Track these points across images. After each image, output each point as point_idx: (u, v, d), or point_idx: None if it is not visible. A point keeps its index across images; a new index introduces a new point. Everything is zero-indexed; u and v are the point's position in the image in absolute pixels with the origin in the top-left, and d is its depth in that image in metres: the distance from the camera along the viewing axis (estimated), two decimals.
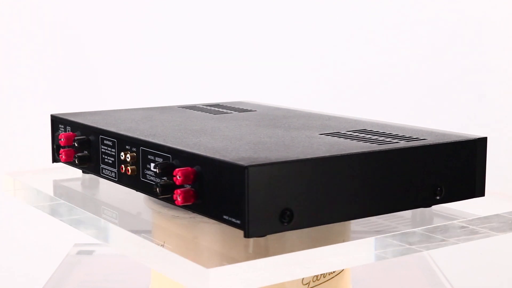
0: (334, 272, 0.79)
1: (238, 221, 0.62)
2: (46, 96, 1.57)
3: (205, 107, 0.96)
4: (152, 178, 0.72)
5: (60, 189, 0.89)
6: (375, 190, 0.68)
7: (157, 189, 0.67)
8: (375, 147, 0.70)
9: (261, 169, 0.62)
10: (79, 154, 0.82)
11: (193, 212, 0.68)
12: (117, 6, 1.56)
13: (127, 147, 0.76)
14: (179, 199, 0.66)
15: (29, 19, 1.55)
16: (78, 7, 1.56)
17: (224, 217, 0.64)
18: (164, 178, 0.68)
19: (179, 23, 1.57)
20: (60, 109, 1.38)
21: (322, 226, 0.66)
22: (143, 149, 0.73)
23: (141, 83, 1.57)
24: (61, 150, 0.83)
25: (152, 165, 0.72)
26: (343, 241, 0.72)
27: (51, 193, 0.85)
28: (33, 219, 1.54)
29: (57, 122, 0.88)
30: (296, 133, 0.77)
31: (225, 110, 0.93)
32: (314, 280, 0.76)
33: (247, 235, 0.62)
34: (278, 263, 0.62)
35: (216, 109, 0.94)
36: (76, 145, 0.82)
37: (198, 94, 1.56)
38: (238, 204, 0.62)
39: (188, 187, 0.67)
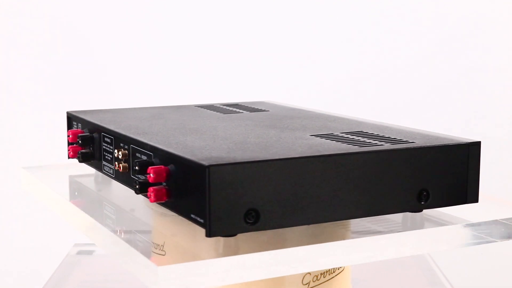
0: (334, 272, 0.78)
1: (202, 220, 0.63)
2: (69, 93, 1.58)
3: (221, 106, 0.97)
4: (138, 175, 0.73)
5: (74, 185, 0.91)
6: (352, 193, 0.67)
7: (136, 186, 0.68)
8: (355, 149, 0.69)
9: (224, 169, 0.62)
10: (83, 150, 0.84)
11: (169, 209, 0.68)
12: (138, 5, 1.58)
13: (120, 144, 0.77)
14: (152, 196, 0.67)
15: (46, 19, 1.57)
16: (97, 5, 1.58)
17: (192, 215, 0.64)
18: (143, 175, 0.69)
19: (210, 22, 1.58)
20: (86, 106, 1.42)
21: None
22: (133, 146, 0.75)
23: (175, 82, 1.58)
24: (69, 146, 0.85)
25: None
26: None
27: (57, 189, 0.87)
28: (33, 219, 1.55)
29: (71, 119, 0.90)
30: (287, 134, 0.76)
31: (238, 110, 0.93)
32: (314, 280, 0.76)
33: (208, 234, 0.62)
34: (231, 265, 0.62)
35: (231, 108, 0.95)
36: (80, 141, 0.84)
37: (235, 94, 1.56)
38: (201, 203, 0.62)
39: (162, 185, 0.67)
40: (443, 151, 0.71)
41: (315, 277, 0.76)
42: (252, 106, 0.97)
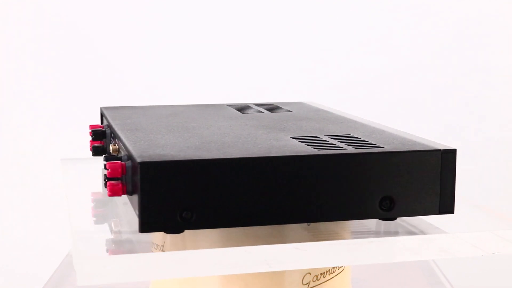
0: (334, 272, 0.77)
1: (137, 215, 0.64)
2: (116, 89, 1.60)
3: (251, 106, 0.97)
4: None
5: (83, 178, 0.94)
6: (300, 196, 0.66)
7: (104, 181, 0.71)
8: (310, 151, 0.67)
9: (156, 166, 0.63)
10: (94, 144, 0.87)
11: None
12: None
13: (113, 140, 0.80)
14: (108, 191, 0.69)
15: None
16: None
17: (137, 211, 0.66)
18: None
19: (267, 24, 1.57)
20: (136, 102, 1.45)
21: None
22: (118, 142, 0.77)
23: (236, 82, 1.58)
24: (90, 140, 0.89)
25: None
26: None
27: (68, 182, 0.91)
28: (33, 219, 1.56)
29: (102, 114, 0.94)
30: (269, 135, 0.76)
31: (260, 110, 0.93)
32: (314, 280, 0.75)
33: (140, 230, 0.63)
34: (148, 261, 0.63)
35: (257, 108, 0.95)
36: (92, 136, 0.87)
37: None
38: (137, 198, 0.64)
39: (119, 180, 0.69)
40: (411, 157, 0.68)
41: (315, 277, 0.76)
42: (282, 107, 0.96)
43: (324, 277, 0.77)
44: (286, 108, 0.95)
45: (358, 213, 0.67)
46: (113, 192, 0.68)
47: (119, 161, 0.69)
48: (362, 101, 1.59)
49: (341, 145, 0.70)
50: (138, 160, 0.63)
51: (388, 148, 0.69)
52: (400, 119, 1.58)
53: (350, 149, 0.68)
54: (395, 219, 0.70)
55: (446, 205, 0.69)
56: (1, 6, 1.53)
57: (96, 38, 1.56)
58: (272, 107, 0.96)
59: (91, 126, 0.89)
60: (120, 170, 0.68)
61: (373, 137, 0.74)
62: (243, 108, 0.95)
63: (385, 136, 0.75)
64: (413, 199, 0.68)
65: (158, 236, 0.71)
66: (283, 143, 0.71)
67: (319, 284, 0.76)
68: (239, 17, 1.58)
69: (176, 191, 0.63)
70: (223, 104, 0.99)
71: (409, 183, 0.68)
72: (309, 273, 0.75)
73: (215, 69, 1.57)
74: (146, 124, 0.82)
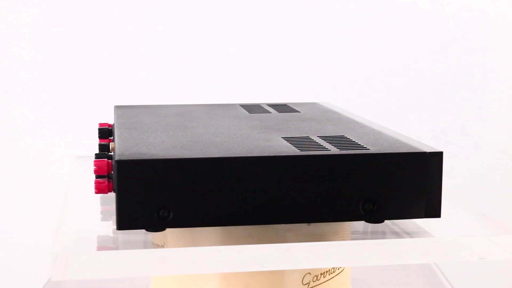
0: (334, 271, 0.77)
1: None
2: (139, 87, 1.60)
3: (263, 106, 0.97)
4: None
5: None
6: (281, 196, 0.66)
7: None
8: (292, 152, 0.67)
9: (132, 164, 0.64)
10: (100, 142, 0.89)
11: None
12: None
13: (110, 137, 0.81)
14: (94, 188, 0.70)
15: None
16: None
17: (116, 208, 0.66)
18: None
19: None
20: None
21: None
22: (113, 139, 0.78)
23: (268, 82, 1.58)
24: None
25: None
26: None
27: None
28: (33, 218, 1.56)
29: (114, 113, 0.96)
30: (261, 135, 0.76)
31: (269, 110, 0.93)
32: (314, 280, 0.75)
33: (117, 227, 0.64)
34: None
35: (266, 108, 0.95)
36: (99, 134, 0.88)
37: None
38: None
39: (105, 178, 0.70)
40: (395, 159, 0.67)
41: (315, 277, 0.76)
42: (293, 107, 0.96)
43: (324, 277, 0.76)
44: (296, 109, 0.94)
45: (339, 215, 0.67)
46: (99, 190, 0.69)
47: (106, 159, 0.70)
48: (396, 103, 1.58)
49: (328, 146, 0.70)
50: (116, 158, 0.64)
51: (373, 149, 0.68)
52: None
53: (333, 151, 0.68)
54: (382, 221, 0.69)
55: (432, 209, 0.68)
56: (20, 6, 1.56)
57: (115, 37, 1.57)
58: (282, 108, 0.96)
59: (100, 124, 0.90)
60: (106, 168, 0.69)
61: (366, 139, 0.73)
62: (253, 108, 0.95)
63: (378, 138, 0.74)
64: (397, 202, 0.67)
65: (158, 236, 0.72)
66: (270, 144, 0.71)
67: (319, 284, 0.76)
68: (265, 16, 1.58)
69: (153, 189, 0.64)
70: (235, 104, 0.99)
71: (393, 185, 0.67)
72: (309, 273, 0.75)
73: (248, 68, 1.58)
74: (147, 122, 0.83)
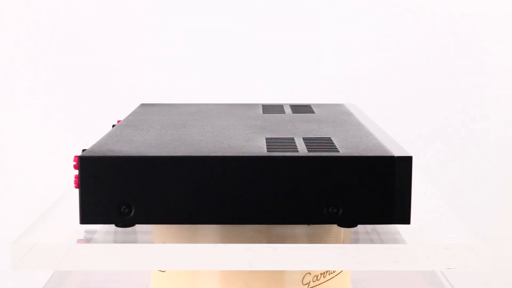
0: (334, 271, 0.77)
1: None
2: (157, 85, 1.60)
3: (284, 106, 0.97)
4: None
5: None
6: (243, 197, 0.66)
7: None
8: (257, 152, 0.67)
9: (95, 161, 0.65)
10: None
11: None
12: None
13: None
14: (74, 183, 0.72)
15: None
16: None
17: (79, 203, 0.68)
18: None
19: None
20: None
21: None
22: None
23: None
24: None
25: None
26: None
27: None
28: (33, 218, 1.56)
29: None
30: (251, 135, 0.75)
31: (286, 111, 0.93)
32: (314, 280, 0.76)
33: (80, 221, 0.66)
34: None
35: (285, 108, 0.95)
36: None
37: None
38: None
39: None
40: (362, 163, 0.66)
41: (315, 277, 0.76)
42: (313, 108, 0.95)
43: (324, 277, 0.76)
44: (315, 110, 0.94)
45: (304, 217, 0.66)
46: (76, 184, 0.71)
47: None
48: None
49: (301, 148, 0.69)
50: (80, 154, 0.66)
51: (343, 152, 0.67)
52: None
53: (301, 152, 0.67)
54: (353, 226, 0.68)
55: (400, 215, 0.66)
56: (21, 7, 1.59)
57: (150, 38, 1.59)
58: (302, 108, 0.95)
59: (118, 121, 0.93)
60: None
61: (349, 142, 0.72)
62: (271, 109, 0.95)
63: (361, 141, 0.72)
64: (364, 207, 0.66)
65: (157, 237, 0.74)
66: (246, 144, 0.71)
67: (319, 284, 0.76)
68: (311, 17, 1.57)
69: (114, 185, 0.65)
70: (258, 104, 0.99)
71: (360, 189, 0.65)
72: (309, 273, 0.75)
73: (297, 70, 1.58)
74: (152, 121, 0.84)
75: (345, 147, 0.69)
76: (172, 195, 0.65)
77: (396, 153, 0.66)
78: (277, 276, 0.75)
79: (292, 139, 0.74)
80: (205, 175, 0.65)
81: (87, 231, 0.73)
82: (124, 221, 0.66)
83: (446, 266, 0.65)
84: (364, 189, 0.65)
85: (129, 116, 0.88)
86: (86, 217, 0.66)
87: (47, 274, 1.06)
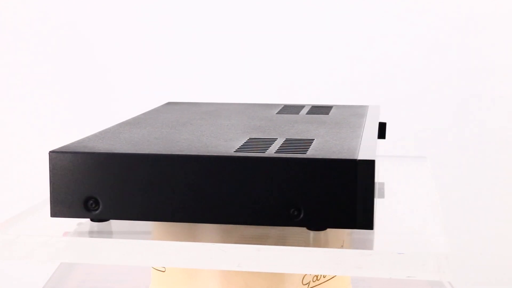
0: None
1: None
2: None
3: (305, 107, 0.96)
4: None
5: None
6: (208, 196, 0.66)
7: None
8: (222, 152, 0.67)
9: (62, 156, 0.67)
10: None
11: None
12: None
13: None
14: None
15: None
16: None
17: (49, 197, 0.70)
18: None
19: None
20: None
21: None
22: None
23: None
24: None
25: None
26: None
27: None
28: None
29: None
30: (238, 135, 0.76)
31: (302, 111, 0.93)
32: (314, 280, 0.76)
33: (51, 215, 0.68)
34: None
35: (304, 109, 0.94)
36: None
37: None
38: None
39: None
40: (323, 166, 0.64)
41: (315, 277, 0.76)
42: (332, 109, 0.94)
43: (324, 277, 0.76)
44: (331, 112, 0.93)
45: (267, 218, 0.66)
46: None
47: None
48: None
49: (272, 149, 0.69)
50: (51, 150, 0.68)
51: (308, 154, 0.66)
52: None
53: (267, 153, 0.67)
54: (323, 229, 0.67)
55: (363, 220, 0.64)
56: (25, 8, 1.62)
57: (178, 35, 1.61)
58: (321, 109, 0.94)
59: None
60: None
61: (327, 144, 0.71)
62: (289, 109, 0.95)
63: (339, 144, 0.71)
64: (326, 210, 0.65)
65: (156, 236, 0.75)
66: (223, 143, 0.71)
67: (319, 284, 0.76)
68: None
69: (81, 181, 0.67)
70: (280, 104, 0.99)
71: (322, 192, 0.64)
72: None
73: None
74: (159, 119, 0.86)
75: (316, 149, 0.68)
76: (137, 192, 0.66)
77: (360, 156, 0.65)
78: (277, 276, 0.74)
79: (275, 140, 0.73)
80: (167, 173, 0.66)
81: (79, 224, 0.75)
82: (92, 216, 0.67)
83: (406, 275, 0.63)
84: (326, 192, 0.64)
85: (144, 113, 0.90)
86: (56, 210, 0.68)
87: (47, 274, 1.08)
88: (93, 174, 0.67)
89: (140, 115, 0.89)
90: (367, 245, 0.67)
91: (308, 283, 0.75)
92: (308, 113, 0.91)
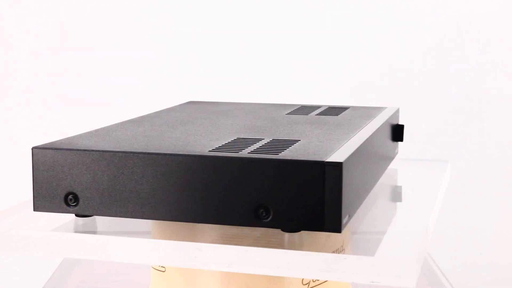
0: None
1: None
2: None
3: (321, 108, 0.96)
4: None
5: None
6: (179, 195, 0.67)
7: None
8: (195, 151, 0.67)
9: (44, 153, 0.69)
10: None
11: None
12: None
13: None
14: None
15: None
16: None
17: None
18: None
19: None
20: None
21: None
22: None
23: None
24: None
25: None
26: None
27: None
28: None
29: None
30: (223, 135, 0.76)
31: (316, 112, 0.92)
32: (314, 280, 0.76)
33: (34, 209, 0.71)
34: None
35: (318, 110, 0.94)
36: None
37: None
38: None
39: None
40: (291, 167, 0.64)
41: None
42: (346, 111, 0.93)
43: None
44: (343, 113, 0.92)
45: (235, 218, 0.66)
46: None
47: None
48: None
49: (250, 149, 0.69)
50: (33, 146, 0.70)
51: (280, 155, 0.66)
52: None
53: (240, 154, 0.67)
54: (295, 231, 0.66)
55: (330, 223, 0.64)
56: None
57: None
58: (333, 111, 0.94)
59: None
60: None
61: (309, 145, 0.70)
62: (303, 110, 0.94)
63: (319, 146, 0.70)
64: (295, 212, 0.64)
65: (155, 235, 0.77)
66: (205, 143, 0.71)
67: (319, 284, 0.76)
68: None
69: (61, 176, 0.69)
70: (295, 105, 0.99)
71: (290, 194, 0.64)
72: None
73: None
74: (166, 117, 0.87)
75: (292, 151, 0.68)
76: (112, 188, 0.68)
77: (329, 158, 0.64)
78: (277, 276, 0.74)
79: (260, 140, 0.73)
80: (138, 170, 0.67)
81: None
82: (71, 211, 0.69)
83: (370, 280, 0.62)
84: (294, 194, 0.64)
85: (156, 111, 0.91)
86: (38, 205, 0.70)
87: (47, 274, 1.09)
88: (72, 170, 0.68)
89: (150, 113, 0.90)
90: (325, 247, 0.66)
91: (308, 283, 0.74)
92: (319, 114, 0.91)
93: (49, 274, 1.08)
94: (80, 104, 1.65)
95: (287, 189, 0.64)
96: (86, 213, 0.69)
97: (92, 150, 0.68)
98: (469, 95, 1.58)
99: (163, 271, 0.78)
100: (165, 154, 0.67)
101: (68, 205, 0.69)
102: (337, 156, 0.65)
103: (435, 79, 1.59)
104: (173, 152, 0.67)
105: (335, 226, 0.63)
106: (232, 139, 0.73)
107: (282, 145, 0.70)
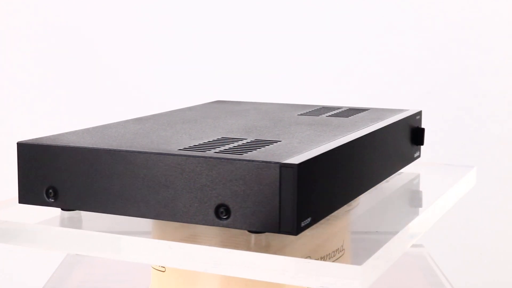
0: None
1: None
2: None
3: (338, 109, 0.95)
4: None
5: None
6: (145, 192, 0.68)
7: None
8: (166, 150, 0.68)
9: (28, 148, 0.72)
10: None
11: None
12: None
13: None
14: None
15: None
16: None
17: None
18: None
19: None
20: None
21: None
22: None
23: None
24: None
25: None
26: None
27: None
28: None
29: None
30: (213, 134, 0.77)
31: (331, 113, 0.91)
32: None
33: (18, 201, 0.74)
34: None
35: (334, 111, 0.93)
36: None
37: None
38: None
39: None
40: (248, 168, 0.64)
41: None
42: (361, 113, 0.92)
43: None
44: (356, 115, 0.90)
45: (195, 217, 0.66)
46: None
47: None
48: None
49: (221, 149, 0.69)
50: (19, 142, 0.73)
51: (243, 156, 0.66)
52: None
53: (206, 153, 0.67)
54: (259, 232, 0.66)
55: (286, 224, 0.63)
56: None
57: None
58: (350, 112, 0.93)
59: None
60: None
61: (284, 147, 0.70)
62: (319, 111, 0.94)
63: (292, 147, 0.70)
64: (250, 212, 0.64)
65: (154, 234, 0.79)
66: (184, 142, 0.72)
67: None
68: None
69: (42, 171, 0.71)
70: (315, 105, 0.98)
71: (246, 194, 0.64)
72: None
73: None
74: (176, 116, 0.89)
75: (260, 152, 0.67)
76: (87, 183, 0.70)
77: (286, 160, 0.63)
78: None
79: (241, 140, 0.73)
80: (107, 166, 0.69)
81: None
82: (51, 205, 0.72)
83: (320, 284, 0.61)
84: (252, 195, 0.64)
85: (172, 110, 0.93)
86: (22, 197, 0.73)
87: (47, 274, 1.10)
88: (52, 165, 0.71)
89: (166, 111, 0.92)
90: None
91: None
92: (330, 115, 0.90)
93: (49, 274, 1.09)
94: (109, 110, 1.68)
95: (246, 190, 0.64)
96: (65, 207, 0.71)
97: (70, 146, 0.71)
98: None
99: (163, 271, 0.79)
100: (132, 152, 0.68)
101: (49, 199, 0.72)
102: (297, 158, 0.64)
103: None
104: (140, 150, 0.68)
105: (291, 228, 0.63)
106: (216, 139, 0.74)
107: (256, 146, 0.70)
